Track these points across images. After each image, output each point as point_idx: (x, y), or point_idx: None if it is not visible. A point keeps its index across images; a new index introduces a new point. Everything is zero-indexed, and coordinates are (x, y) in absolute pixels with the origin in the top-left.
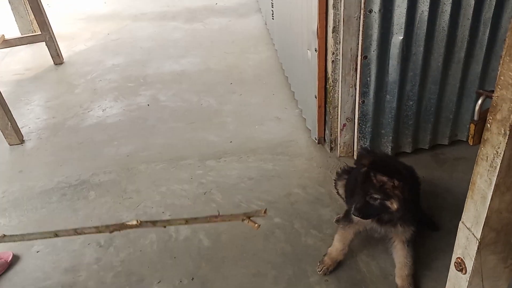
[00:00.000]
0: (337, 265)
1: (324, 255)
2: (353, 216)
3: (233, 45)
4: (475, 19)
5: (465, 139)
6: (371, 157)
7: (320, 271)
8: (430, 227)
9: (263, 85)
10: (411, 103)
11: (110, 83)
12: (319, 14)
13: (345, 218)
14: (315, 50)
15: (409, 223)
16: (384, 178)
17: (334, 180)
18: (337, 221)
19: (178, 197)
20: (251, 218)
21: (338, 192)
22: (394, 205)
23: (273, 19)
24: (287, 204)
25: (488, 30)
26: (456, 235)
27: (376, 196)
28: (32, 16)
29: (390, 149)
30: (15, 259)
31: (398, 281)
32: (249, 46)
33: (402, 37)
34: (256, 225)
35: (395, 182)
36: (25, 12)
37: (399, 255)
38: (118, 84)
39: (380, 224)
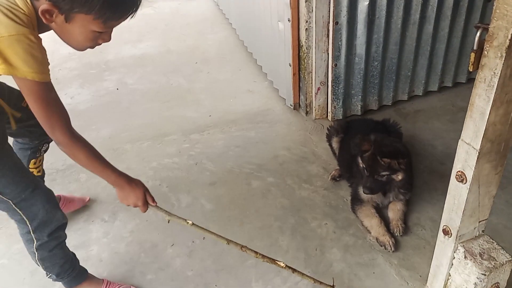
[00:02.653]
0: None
1: (377, 240)
2: (361, 195)
3: (188, 27)
4: None
5: (421, 94)
6: (370, 141)
7: (391, 249)
8: None
9: (228, 63)
10: (376, 63)
11: (71, 71)
12: None
13: (355, 201)
14: (288, 20)
15: (407, 189)
16: (389, 160)
17: (327, 134)
18: (333, 178)
19: (171, 169)
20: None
21: (331, 146)
22: (399, 177)
23: None
24: (276, 165)
25: None
26: (422, 176)
27: (384, 173)
28: None
29: (359, 108)
30: None
31: (390, 214)
32: (205, 27)
33: (367, 3)
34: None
35: (399, 161)
36: None
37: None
38: (80, 71)
39: (384, 196)
